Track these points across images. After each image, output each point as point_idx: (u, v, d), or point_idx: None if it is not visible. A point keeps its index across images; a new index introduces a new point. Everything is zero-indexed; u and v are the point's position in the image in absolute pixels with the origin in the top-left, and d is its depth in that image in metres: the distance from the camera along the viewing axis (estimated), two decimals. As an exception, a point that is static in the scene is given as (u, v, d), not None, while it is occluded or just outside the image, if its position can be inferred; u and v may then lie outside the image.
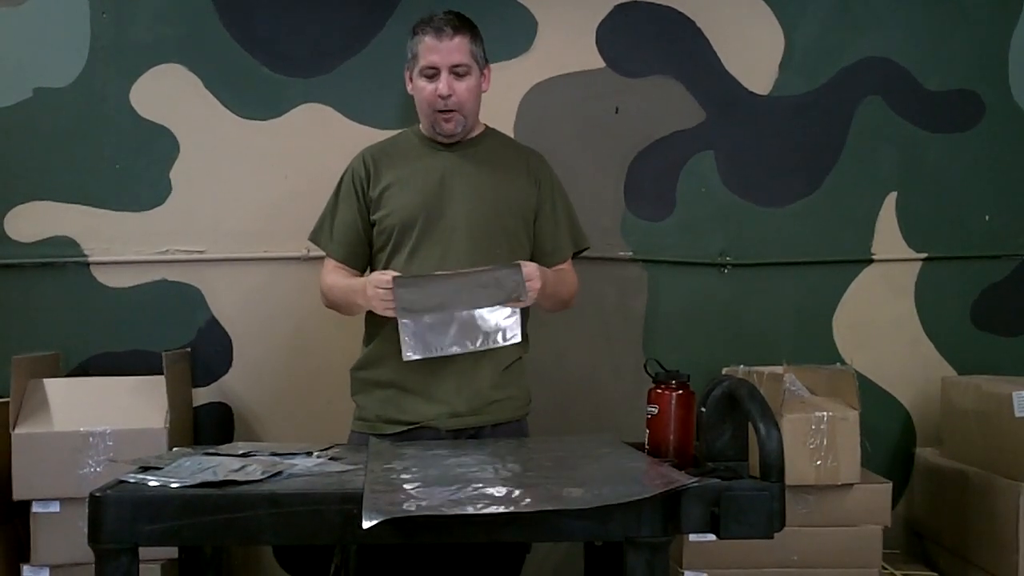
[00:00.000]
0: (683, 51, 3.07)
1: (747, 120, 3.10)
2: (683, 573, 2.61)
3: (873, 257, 3.13)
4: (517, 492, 1.62)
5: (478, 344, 2.21)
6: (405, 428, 2.31)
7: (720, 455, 1.85)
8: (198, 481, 1.71)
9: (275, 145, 2.98)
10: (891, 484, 2.69)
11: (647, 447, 1.97)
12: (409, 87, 2.40)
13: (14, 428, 2.55)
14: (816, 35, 3.10)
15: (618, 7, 3.06)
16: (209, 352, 2.98)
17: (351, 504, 1.60)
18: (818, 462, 2.61)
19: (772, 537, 1.66)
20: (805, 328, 3.11)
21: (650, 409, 1.96)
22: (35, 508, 2.54)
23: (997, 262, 3.15)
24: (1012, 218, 3.15)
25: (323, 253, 2.47)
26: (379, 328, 2.33)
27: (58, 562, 2.55)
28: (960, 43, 3.13)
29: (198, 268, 2.98)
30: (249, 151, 2.98)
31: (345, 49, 2.99)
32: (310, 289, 2.62)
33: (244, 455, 1.99)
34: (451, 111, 2.32)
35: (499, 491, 1.63)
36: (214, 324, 2.99)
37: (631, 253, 3.08)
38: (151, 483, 1.70)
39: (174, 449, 2.22)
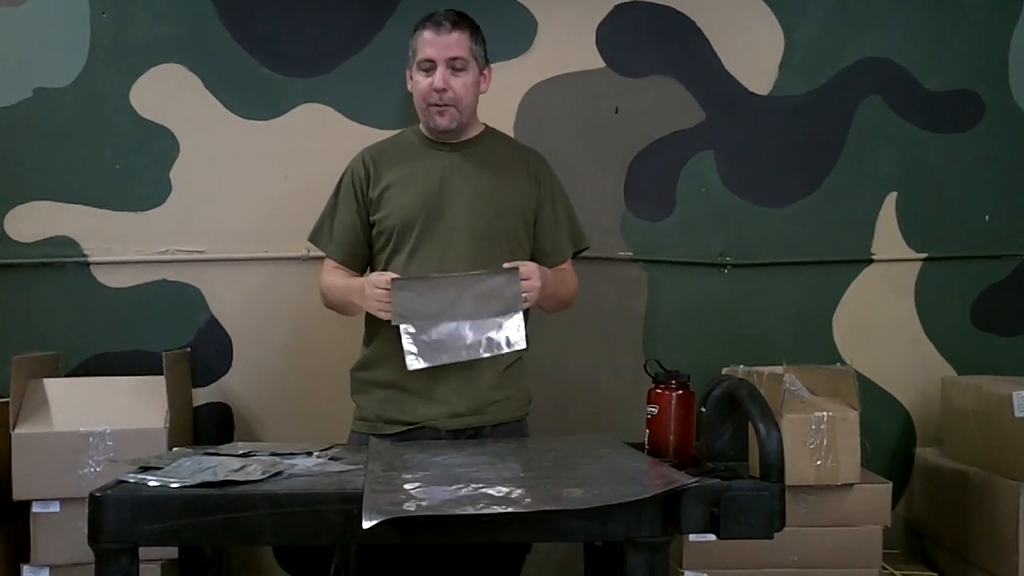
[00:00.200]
0: (683, 51, 3.07)
1: (747, 120, 3.09)
2: (683, 573, 2.61)
3: (873, 257, 3.13)
4: (517, 492, 1.62)
5: (482, 352, 2.21)
6: (405, 428, 2.30)
7: (720, 455, 1.85)
8: (198, 481, 1.71)
9: (275, 145, 2.98)
10: (891, 484, 2.70)
11: (647, 447, 1.97)
12: (409, 85, 2.40)
13: (14, 428, 2.55)
14: (816, 35, 3.10)
15: (618, 7, 3.06)
16: (209, 352, 2.98)
17: (351, 504, 1.60)
18: (818, 462, 2.61)
19: (772, 537, 1.66)
20: (805, 328, 3.11)
21: (650, 409, 1.96)
22: (35, 508, 2.54)
23: (997, 262, 3.15)
24: (1012, 218, 3.15)
25: (323, 253, 2.47)
26: (379, 328, 2.32)
27: (58, 562, 2.54)
28: (960, 43, 3.13)
29: (198, 268, 2.98)
30: (249, 151, 2.98)
31: (345, 49, 2.99)
32: (310, 289, 2.62)
33: (244, 455, 1.98)
34: (446, 105, 2.31)
35: (499, 491, 1.62)
36: (214, 324, 2.99)
37: (631, 253, 3.08)
38: (151, 483, 1.70)
39: (174, 449, 2.22)
